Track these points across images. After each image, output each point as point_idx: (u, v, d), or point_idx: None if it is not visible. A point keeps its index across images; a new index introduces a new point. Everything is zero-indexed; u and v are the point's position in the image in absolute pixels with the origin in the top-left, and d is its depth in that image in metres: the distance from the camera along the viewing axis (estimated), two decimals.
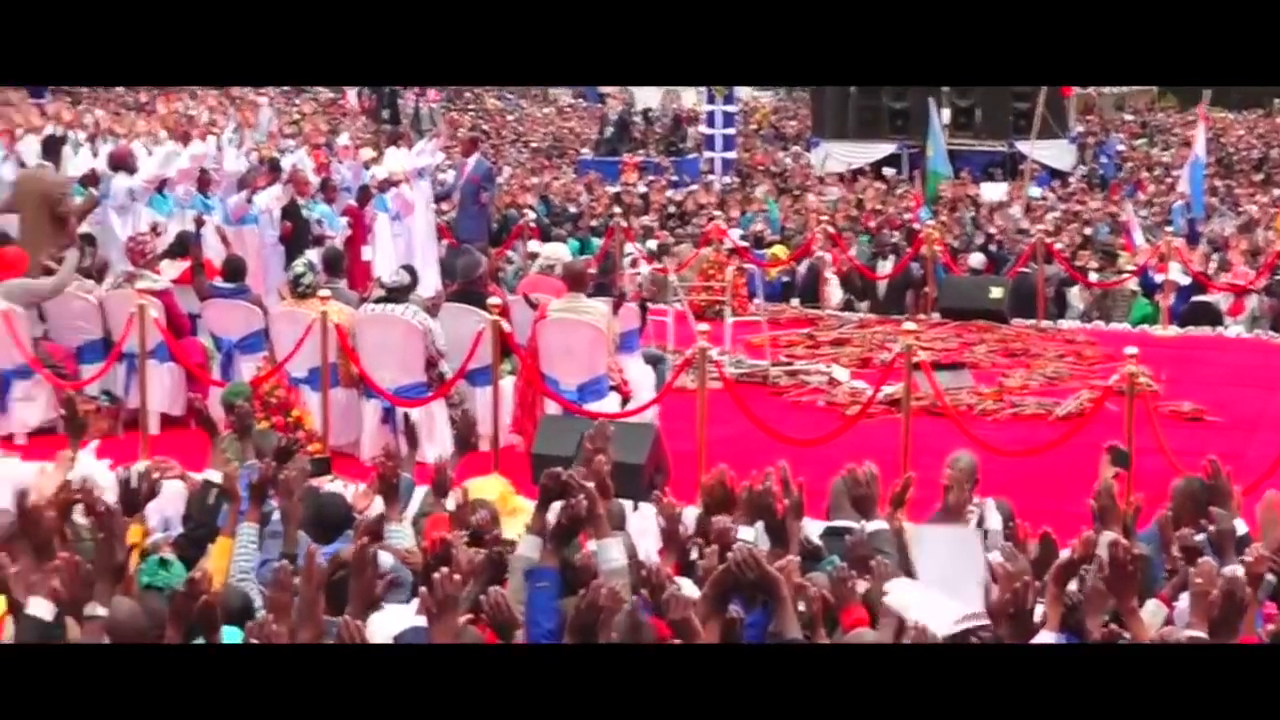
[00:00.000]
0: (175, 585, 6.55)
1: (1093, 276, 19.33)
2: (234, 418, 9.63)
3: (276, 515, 7.37)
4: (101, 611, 5.86)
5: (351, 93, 37.10)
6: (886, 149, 31.26)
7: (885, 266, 20.07)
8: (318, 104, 35.46)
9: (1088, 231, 22.13)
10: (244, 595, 6.87)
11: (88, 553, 6.29)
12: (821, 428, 11.64)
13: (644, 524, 8.60)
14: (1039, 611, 5.54)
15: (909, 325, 11.94)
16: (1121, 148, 36.28)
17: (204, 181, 16.96)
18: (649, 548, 7.37)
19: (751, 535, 6.65)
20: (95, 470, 8.61)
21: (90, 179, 16.05)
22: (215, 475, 8.25)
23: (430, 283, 16.27)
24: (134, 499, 7.50)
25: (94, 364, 12.37)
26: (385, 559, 6.71)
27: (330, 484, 8.63)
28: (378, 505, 7.85)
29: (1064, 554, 6.07)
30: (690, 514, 7.53)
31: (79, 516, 7.30)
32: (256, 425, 9.90)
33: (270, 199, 16.44)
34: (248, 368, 12.04)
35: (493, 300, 11.59)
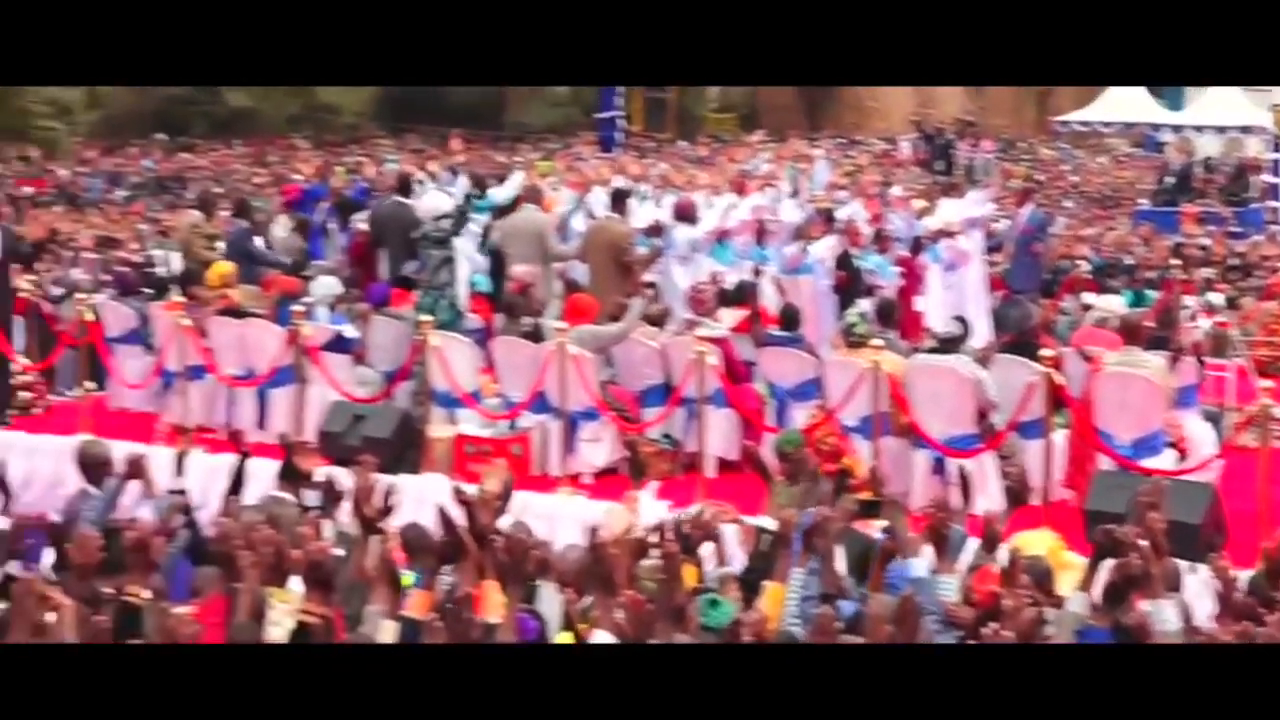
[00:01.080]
0: (725, 625, 6.72)
1: None
2: (787, 464, 9.82)
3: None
4: None
5: (905, 143, 37.27)
6: None
7: None
8: (872, 155, 35.74)
9: None
10: (793, 640, 6.97)
11: (647, 591, 6.52)
12: None
13: (1200, 586, 8.32)
14: None
15: None
16: None
17: (761, 232, 17.33)
18: (1204, 611, 7.13)
19: None
20: (656, 511, 8.91)
21: (654, 230, 16.61)
22: (769, 521, 8.40)
23: (982, 333, 16.14)
24: (690, 541, 7.74)
25: (655, 408, 12.69)
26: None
27: (876, 527, 8.63)
28: (928, 555, 7.84)
29: None
30: (1247, 578, 7.24)
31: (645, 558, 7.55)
32: (809, 472, 10.06)
33: (825, 249, 16.66)
34: (801, 415, 12.20)
35: (1045, 352, 11.40)
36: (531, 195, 16.36)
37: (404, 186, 16.40)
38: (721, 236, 16.69)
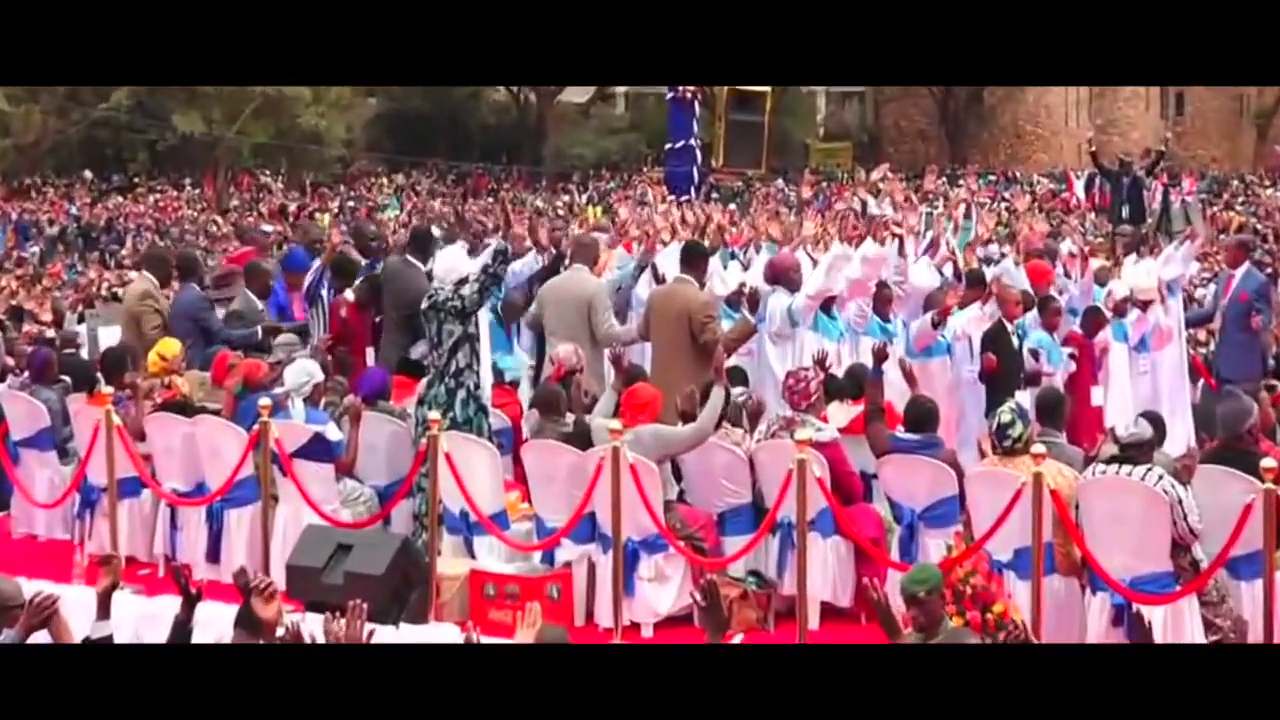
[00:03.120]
0: None
1: None
2: (918, 611, 9.75)
3: None
4: None
5: (1078, 185, 37.26)
6: None
7: None
8: (1034, 198, 35.77)
9: None
10: None
11: None
12: None
13: None
14: None
15: None
16: None
17: (883, 300, 17.17)
18: None
19: None
20: None
21: (741, 298, 16.54)
22: None
23: (1180, 437, 16.04)
24: None
25: (740, 535, 12.69)
26: None
27: None
28: None
29: None
30: None
31: None
32: (947, 623, 9.98)
33: (968, 322, 16.59)
34: (936, 545, 12.13)
35: (1267, 463, 11.30)
36: (581, 252, 16.30)
37: (420, 241, 16.25)
38: (829, 304, 16.60)
